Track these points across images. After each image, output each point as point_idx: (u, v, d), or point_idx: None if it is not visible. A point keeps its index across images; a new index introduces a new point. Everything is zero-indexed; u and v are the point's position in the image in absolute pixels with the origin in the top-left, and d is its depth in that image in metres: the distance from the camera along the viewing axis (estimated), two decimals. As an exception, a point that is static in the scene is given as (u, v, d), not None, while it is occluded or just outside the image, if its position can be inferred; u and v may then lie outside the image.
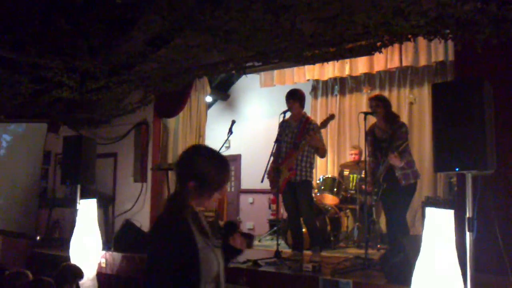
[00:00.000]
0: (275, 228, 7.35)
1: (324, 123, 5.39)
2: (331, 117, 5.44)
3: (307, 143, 5.33)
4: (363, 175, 6.70)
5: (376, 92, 8.12)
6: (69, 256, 5.69)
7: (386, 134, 5.22)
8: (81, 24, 5.16)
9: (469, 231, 3.34)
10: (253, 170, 8.68)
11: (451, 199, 6.05)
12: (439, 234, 3.36)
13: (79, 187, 5.98)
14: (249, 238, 2.61)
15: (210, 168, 2.14)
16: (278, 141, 5.43)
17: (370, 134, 5.39)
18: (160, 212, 2.19)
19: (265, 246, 6.94)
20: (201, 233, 2.10)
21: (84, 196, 6.01)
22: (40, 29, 5.24)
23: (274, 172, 5.45)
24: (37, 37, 5.35)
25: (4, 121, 7.07)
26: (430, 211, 3.48)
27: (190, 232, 2.04)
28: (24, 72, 5.94)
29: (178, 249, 1.98)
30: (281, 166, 5.44)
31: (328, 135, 8.50)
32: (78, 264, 5.04)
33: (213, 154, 2.23)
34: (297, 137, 5.44)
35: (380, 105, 5.29)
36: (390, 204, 5.27)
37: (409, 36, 4.69)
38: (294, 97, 5.51)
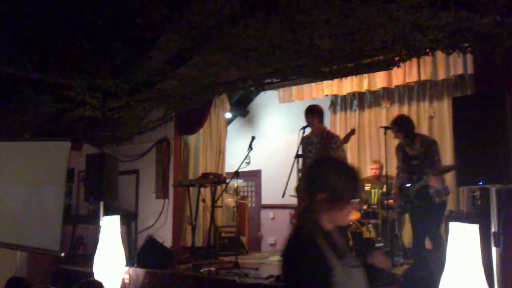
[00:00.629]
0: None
1: (346, 139, 5.40)
2: (352, 132, 5.45)
3: None
4: (384, 190, 6.66)
5: (396, 106, 8.11)
6: (93, 272, 5.75)
7: (416, 152, 5.18)
8: (102, 44, 5.27)
9: (495, 246, 3.30)
10: (274, 186, 8.69)
11: (474, 213, 5.97)
12: (464, 249, 3.33)
13: (102, 203, 6.06)
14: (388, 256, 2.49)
15: (340, 179, 2.03)
16: (298, 156, 5.43)
17: (401, 150, 5.35)
18: (291, 231, 2.06)
19: (287, 261, 6.89)
20: (336, 253, 1.97)
21: (107, 212, 6.08)
22: (63, 49, 5.35)
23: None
24: (60, 57, 5.47)
25: (28, 139, 7.21)
26: (454, 225, 3.45)
27: (320, 255, 1.92)
28: (47, 91, 6.07)
29: (309, 274, 1.88)
30: None
31: (348, 150, 8.46)
32: (101, 280, 5.08)
33: (343, 165, 2.16)
34: (320, 153, 5.45)
35: (396, 131, 5.28)
36: (423, 221, 5.16)
37: (427, 50, 4.68)
38: (313, 113, 5.54)
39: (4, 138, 7.42)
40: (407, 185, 5.20)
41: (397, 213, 5.39)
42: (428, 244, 5.33)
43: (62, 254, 6.59)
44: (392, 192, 5.56)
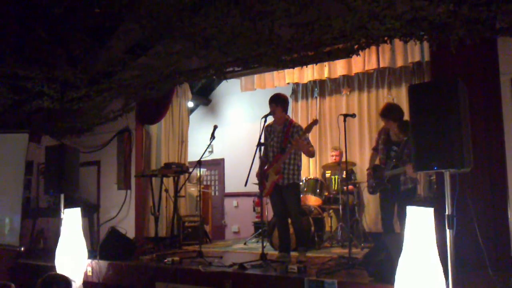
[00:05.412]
0: (260, 230, 7.40)
1: (308, 129, 5.47)
2: (315, 122, 5.52)
3: (293, 147, 5.42)
4: (344, 176, 6.80)
5: (355, 93, 8.27)
6: (54, 266, 5.67)
7: (399, 139, 5.25)
8: (60, 33, 5.17)
9: (449, 228, 3.43)
10: (237, 174, 8.74)
11: (431, 197, 6.16)
12: (420, 231, 3.45)
13: (62, 196, 5.96)
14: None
15: None
16: (261, 144, 5.47)
17: (384, 133, 5.42)
18: None
19: (251, 248, 6.98)
20: None
21: (68, 205, 5.99)
22: (19, 39, 5.22)
23: (262, 176, 5.60)
24: (17, 47, 5.34)
25: (-16, 132, 7.03)
26: (410, 209, 3.56)
27: None
28: (3, 82, 5.91)
29: None
30: (269, 170, 5.56)
31: (310, 137, 8.53)
32: (64, 274, 5.02)
33: None
34: (283, 141, 5.52)
35: (389, 120, 5.30)
36: (397, 206, 5.29)
37: (385, 38, 4.78)
38: (277, 102, 5.58)
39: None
40: (385, 168, 5.29)
41: (370, 192, 5.52)
42: (397, 228, 5.48)
43: (22, 249, 6.48)
44: (367, 171, 5.66)
